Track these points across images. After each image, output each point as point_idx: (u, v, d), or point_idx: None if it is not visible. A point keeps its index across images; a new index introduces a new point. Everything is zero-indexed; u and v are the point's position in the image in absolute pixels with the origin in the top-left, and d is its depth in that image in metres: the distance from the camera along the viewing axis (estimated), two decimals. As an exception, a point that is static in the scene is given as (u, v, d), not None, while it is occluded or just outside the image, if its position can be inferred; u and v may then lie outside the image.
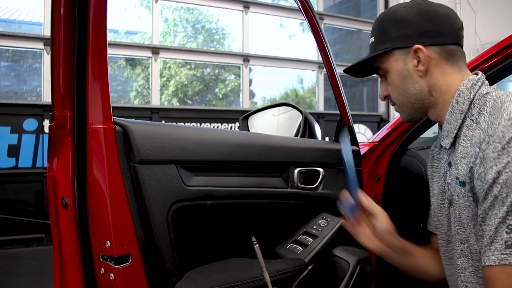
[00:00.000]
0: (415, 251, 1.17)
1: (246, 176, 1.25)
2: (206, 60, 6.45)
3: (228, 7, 6.36)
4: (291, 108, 1.73)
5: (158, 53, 5.73)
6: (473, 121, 0.94)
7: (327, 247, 1.32)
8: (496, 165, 0.83)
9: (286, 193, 1.32)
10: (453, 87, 0.99)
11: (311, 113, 1.66)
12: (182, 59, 6.35)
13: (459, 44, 1.01)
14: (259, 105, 6.93)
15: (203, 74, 6.82)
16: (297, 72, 7.19)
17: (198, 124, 5.70)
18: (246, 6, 6.28)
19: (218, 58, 6.45)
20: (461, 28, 1.01)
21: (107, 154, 0.97)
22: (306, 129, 1.60)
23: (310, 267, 1.23)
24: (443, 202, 1.07)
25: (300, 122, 1.65)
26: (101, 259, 0.99)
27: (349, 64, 1.15)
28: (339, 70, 1.46)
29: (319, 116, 6.48)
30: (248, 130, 1.78)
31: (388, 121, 7.20)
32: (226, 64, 6.63)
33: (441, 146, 1.08)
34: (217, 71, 6.82)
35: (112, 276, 0.97)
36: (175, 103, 6.53)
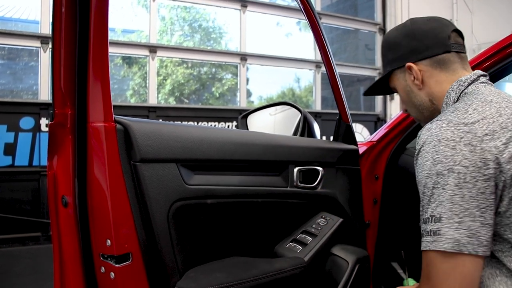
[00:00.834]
0: None
1: (246, 175, 1.26)
2: (204, 59, 6.44)
3: (226, 6, 6.35)
4: (288, 107, 1.73)
5: (155, 52, 5.71)
6: None
7: (326, 246, 1.32)
8: (416, 166, 0.96)
9: (286, 192, 1.32)
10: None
11: (308, 112, 1.67)
12: (180, 58, 6.34)
13: (449, 50, 1.07)
14: (256, 104, 6.92)
15: (200, 73, 6.81)
16: (293, 71, 7.19)
17: (196, 123, 5.70)
18: (244, 5, 6.27)
19: (216, 57, 6.44)
20: (449, 36, 1.07)
21: (108, 153, 0.96)
22: (305, 128, 1.60)
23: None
24: None
25: (299, 121, 1.65)
26: (101, 258, 0.99)
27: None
28: (338, 70, 1.47)
29: (316, 115, 6.49)
30: (247, 129, 1.78)
31: (385, 121, 7.23)
32: (224, 63, 6.63)
33: None
34: (213, 70, 6.81)
35: (112, 275, 0.97)
36: (172, 102, 6.52)
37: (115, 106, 1.01)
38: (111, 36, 5.95)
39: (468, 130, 0.88)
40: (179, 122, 5.27)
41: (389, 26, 7.26)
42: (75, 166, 0.99)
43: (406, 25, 1.12)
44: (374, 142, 1.64)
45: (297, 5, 1.38)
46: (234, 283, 1.07)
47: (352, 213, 1.48)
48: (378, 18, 7.61)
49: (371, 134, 6.80)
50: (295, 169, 1.34)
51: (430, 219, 0.88)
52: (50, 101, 1.01)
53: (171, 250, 1.05)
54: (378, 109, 7.53)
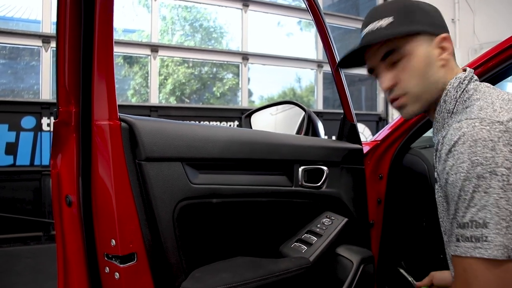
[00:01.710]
0: None
1: (251, 174, 1.25)
2: (206, 58, 6.43)
3: (228, 6, 6.35)
4: (289, 107, 1.73)
5: (157, 51, 5.71)
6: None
7: (331, 246, 1.31)
8: (445, 167, 0.88)
9: (291, 192, 1.32)
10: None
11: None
12: (182, 57, 6.33)
13: None
14: (257, 104, 6.92)
15: (201, 73, 6.81)
16: (294, 71, 7.18)
17: (198, 122, 5.69)
18: (246, 4, 6.27)
19: (218, 56, 6.43)
20: None
21: (113, 151, 0.95)
22: (309, 127, 1.59)
23: None
24: None
25: (301, 121, 1.64)
26: (105, 258, 0.97)
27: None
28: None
29: (318, 115, 6.46)
30: (251, 128, 1.77)
31: (386, 120, 7.22)
32: (225, 62, 6.62)
33: None
34: (214, 69, 6.81)
35: (117, 275, 0.96)
36: (173, 102, 6.51)
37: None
38: (112, 36, 5.94)
39: (505, 129, 0.83)
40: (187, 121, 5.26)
41: (391, 26, 7.21)
42: (79, 165, 0.98)
43: (425, 2, 1.01)
44: (378, 142, 1.63)
45: (299, 4, 1.37)
46: (240, 283, 1.06)
47: (356, 212, 1.47)
48: (380, 17, 7.58)
49: (373, 133, 6.82)
50: (300, 169, 1.34)
51: (470, 224, 0.83)
52: (52, 101, 1.00)
53: (176, 250, 1.04)
54: (380, 108, 7.52)
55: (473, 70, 1.02)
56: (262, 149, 1.27)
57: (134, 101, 6.32)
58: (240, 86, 6.45)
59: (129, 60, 6.33)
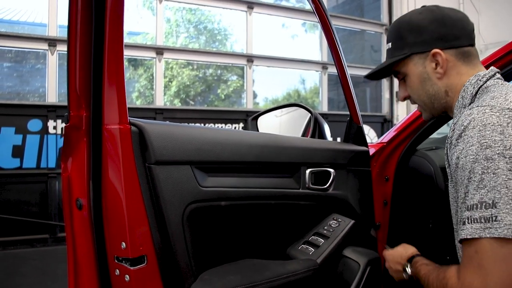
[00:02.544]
0: None
1: (259, 177, 1.25)
2: (211, 61, 6.44)
3: (232, 8, 6.36)
4: (293, 109, 1.73)
5: (162, 54, 5.73)
6: None
7: (338, 248, 1.32)
8: (456, 152, 0.92)
9: (298, 194, 1.32)
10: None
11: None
12: (187, 60, 6.35)
13: (473, 44, 1.07)
14: (261, 106, 6.92)
15: (205, 75, 6.82)
16: (298, 73, 7.18)
17: (202, 125, 5.70)
18: (250, 6, 6.28)
19: (222, 59, 6.44)
20: (473, 29, 1.07)
21: (123, 155, 0.96)
22: (316, 130, 1.60)
23: None
24: None
25: (307, 123, 1.65)
26: (116, 261, 0.98)
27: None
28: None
29: (323, 117, 6.46)
30: (258, 131, 1.78)
31: (391, 121, 7.20)
32: (229, 64, 6.63)
33: None
34: (219, 71, 6.82)
35: (127, 277, 0.97)
36: (177, 104, 6.53)
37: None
38: (118, 38, 5.96)
39: None
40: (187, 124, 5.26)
41: (395, 27, 7.20)
42: (90, 168, 0.99)
43: (432, 10, 1.07)
44: (385, 144, 1.64)
45: (304, 6, 1.38)
46: (248, 286, 1.07)
47: (362, 214, 1.47)
48: (385, 19, 7.59)
49: (378, 135, 6.80)
50: (307, 171, 1.34)
51: (479, 205, 0.85)
52: (58, 103, 1.02)
53: (186, 252, 1.04)
54: (385, 110, 7.50)
55: (497, 69, 1.06)
56: (270, 151, 1.27)
57: (138, 103, 6.34)
58: (244, 88, 6.45)
59: (134, 63, 6.35)
